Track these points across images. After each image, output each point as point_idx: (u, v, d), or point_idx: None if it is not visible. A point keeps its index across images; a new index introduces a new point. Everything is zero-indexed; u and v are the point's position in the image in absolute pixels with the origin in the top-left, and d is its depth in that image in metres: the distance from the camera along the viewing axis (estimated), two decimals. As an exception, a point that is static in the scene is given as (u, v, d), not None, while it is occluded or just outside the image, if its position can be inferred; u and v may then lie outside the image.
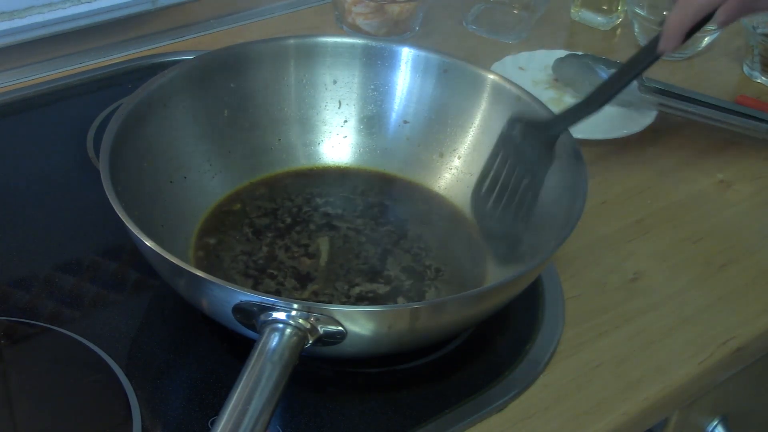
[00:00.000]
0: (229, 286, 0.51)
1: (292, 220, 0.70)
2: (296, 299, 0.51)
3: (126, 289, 0.66)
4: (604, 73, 0.89)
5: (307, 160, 0.75)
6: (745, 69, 0.97)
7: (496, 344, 0.64)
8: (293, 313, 0.51)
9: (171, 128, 0.68)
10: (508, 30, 0.99)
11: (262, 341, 0.50)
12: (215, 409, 0.56)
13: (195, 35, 0.96)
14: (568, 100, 0.88)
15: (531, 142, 0.68)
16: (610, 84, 0.68)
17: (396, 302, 0.64)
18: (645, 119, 0.85)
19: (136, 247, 0.56)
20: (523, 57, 0.93)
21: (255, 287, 0.63)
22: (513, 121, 0.69)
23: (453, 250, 0.69)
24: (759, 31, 0.94)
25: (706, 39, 0.97)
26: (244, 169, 0.73)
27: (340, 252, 0.67)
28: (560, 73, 0.91)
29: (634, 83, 0.89)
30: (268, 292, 0.62)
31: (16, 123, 0.83)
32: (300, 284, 0.64)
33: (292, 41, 0.74)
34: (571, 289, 0.68)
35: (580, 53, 0.92)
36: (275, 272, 0.65)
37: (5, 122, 0.83)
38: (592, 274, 0.70)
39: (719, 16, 0.63)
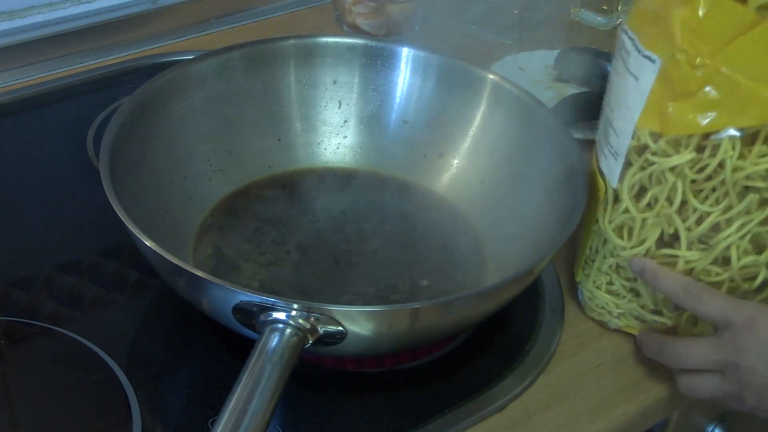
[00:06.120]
0: (229, 286, 0.51)
1: (292, 221, 0.70)
2: (296, 299, 0.51)
3: (126, 289, 0.66)
4: (608, 66, 0.89)
5: (307, 160, 0.75)
6: (745, 69, 0.97)
7: (496, 344, 0.64)
8: (293, 313, 0.51)
9: (171, 128, 0.68)
10: (508, 30, 0.99)
11: (262, 341, 0.50)
12: (215, 409, 0.56)
13: (195, 35, 0.96)
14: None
15: None
16: None
17: (396, 302, 0.64)
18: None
19: (136, 247, 0.56)
20: (523, 57, 0.93)
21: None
22: None
23: (453, 250, 0.69)
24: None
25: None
26: (243, 169, 0.73)
27: (340, 252, 0.67)
28: (562, 67, 0.90)
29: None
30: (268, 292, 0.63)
31: (16, 123, 0.83)
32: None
33: (292, 41, 0.74)
34: (571, 289, 0.68)
35: (582, 47, 0.92)
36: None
37: (5, 122, 0.83)
38: (592, 274, 0.70)
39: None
